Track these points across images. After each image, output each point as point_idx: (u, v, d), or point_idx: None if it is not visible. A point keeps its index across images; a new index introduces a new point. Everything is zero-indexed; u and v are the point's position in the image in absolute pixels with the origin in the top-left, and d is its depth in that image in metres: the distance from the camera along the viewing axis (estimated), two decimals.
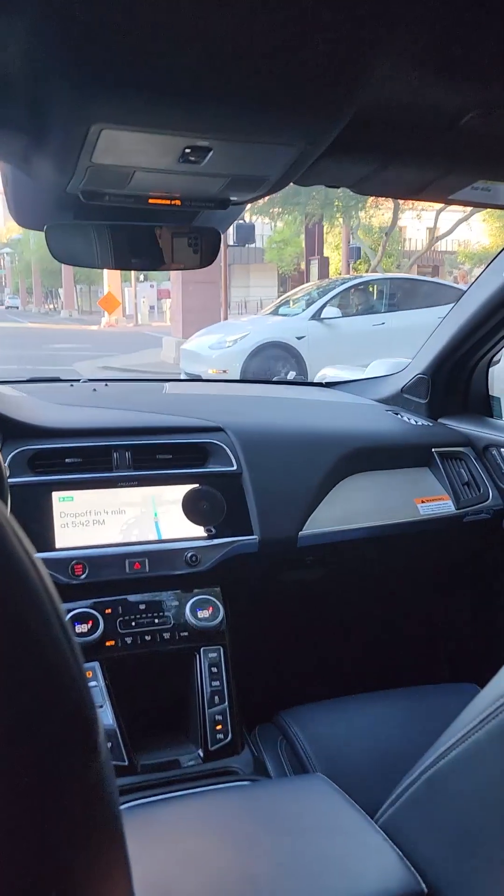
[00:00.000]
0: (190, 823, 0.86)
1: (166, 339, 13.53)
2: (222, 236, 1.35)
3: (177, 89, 0.77)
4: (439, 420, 1.95)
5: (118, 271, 23.05)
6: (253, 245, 20.76)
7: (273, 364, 9.24)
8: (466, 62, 0.80)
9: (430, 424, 1.91)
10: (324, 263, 18.46)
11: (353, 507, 1.65)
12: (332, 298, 10.16)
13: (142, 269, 1.57)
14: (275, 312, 10.97)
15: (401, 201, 15.96)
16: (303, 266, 26.79)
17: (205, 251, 1.32)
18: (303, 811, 0.88)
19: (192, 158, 0.91)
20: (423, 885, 0.70)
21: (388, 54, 0.76)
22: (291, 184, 1.16)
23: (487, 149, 1.01)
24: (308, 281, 17.82)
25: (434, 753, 0.76)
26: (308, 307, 10.24)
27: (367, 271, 17.75)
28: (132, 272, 24.32)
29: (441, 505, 1.73)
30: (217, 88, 0.77)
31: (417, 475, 1.78)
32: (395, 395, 2.06)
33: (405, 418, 1.93)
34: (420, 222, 19.70)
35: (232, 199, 1.13)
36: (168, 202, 1.11)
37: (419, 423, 1.90)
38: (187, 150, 0.89)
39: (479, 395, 1.97)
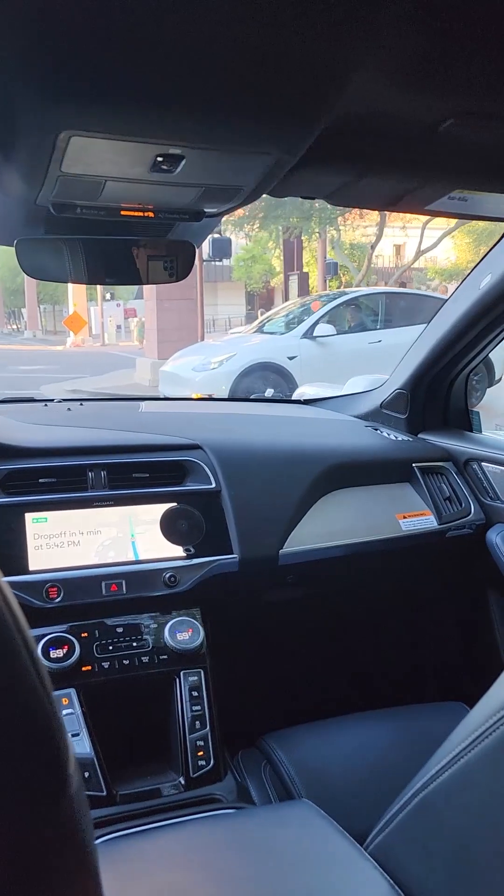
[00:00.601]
0: (171, 856, 0.82)
1: (140, 360, 13.05)
2: (197, 251, 1.33)
3: (148, 95, 0.75)
4: (419, 435, 1.93)
5: (83, 290, 22.85)
6: (220, 262, 20.59)
7: (263, 387, 8.69)
8: (442, 71, 0.79)
9: (410, 439, 1.90)
10: (304, 279, 18.00)
11: (334, 524, 1.62)
12: (324, 314, 9.53)
13: (116, 284, 1.55)
14: (260, 330, 10.38)
15: (387, 215, 16.00)
16: (273, 283, 26.84)
17: (179, 265, 1.30)
18: (289, 840, 0.84)
19: (165, 167, 0.89)
20: None
21: (364, 64, 0.74)
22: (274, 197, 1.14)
23: (464, 158, 1.00)
24: (287, 297, 17.53)
25: (424, 776, 0.73)
26: (291, 326, 9.64)
27: (339, 287, 17.70)
28: (98, 291, 24.13)
29: (423, 520, 1.71)
30: (189, 95, 0.75)
31: (398, 491, 1.76)
32: (375, 410, 2.05)
33: (385, 434, 1.92)
34: (389, 238, 19.73)
35: (206, 210, 1.10)
36: (141, 214, 1.09)
37: (399, 439, 1.89)
38: (159, 159, 0.87)
39: (458, 409, 1.96)
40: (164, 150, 0.85)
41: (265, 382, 8.76)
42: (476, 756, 0.66)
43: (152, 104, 0.76)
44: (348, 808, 0.91)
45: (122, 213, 1.09)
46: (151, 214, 1.10)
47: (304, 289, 17.07)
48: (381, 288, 12.80)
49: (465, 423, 1.97)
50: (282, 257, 22.88)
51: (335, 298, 10.18)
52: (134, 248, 1.26)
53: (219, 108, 0.78)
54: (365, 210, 15.79)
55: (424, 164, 1.03)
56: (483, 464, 1.77)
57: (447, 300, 1.78)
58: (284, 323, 10.09)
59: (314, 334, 9.27)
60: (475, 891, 0.66)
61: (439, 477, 1.80)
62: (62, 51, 0.65)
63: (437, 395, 1.93)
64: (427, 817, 0.72)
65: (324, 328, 9.36)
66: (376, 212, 15.69)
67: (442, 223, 16.85)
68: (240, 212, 15.29)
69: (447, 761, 0.70)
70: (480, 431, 1.97)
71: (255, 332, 10.47)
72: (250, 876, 0.77)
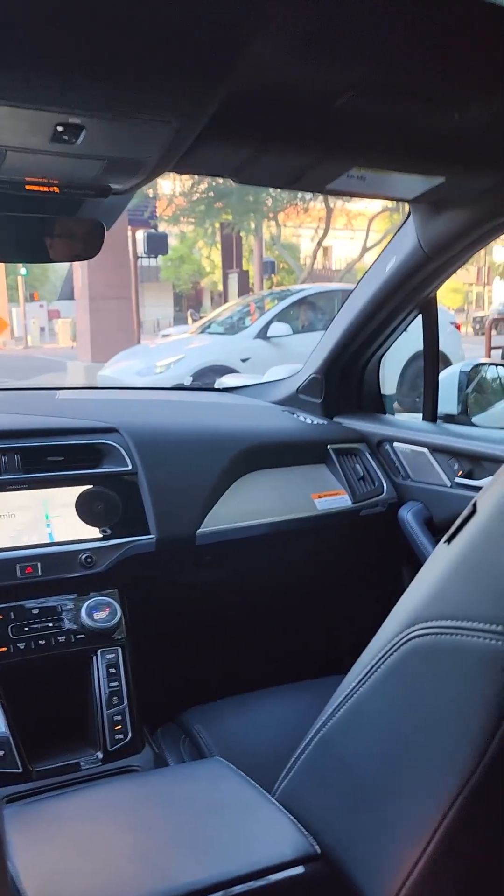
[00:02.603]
0: (81, 813, 0.83)
1: (72, 363, 12.39)
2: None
3: (43, 61, 0.76)
4: (334, 418, 1.98)
5: (4, 291, 22.23)
6: (148, 263, 20.27)
7: None
8: (340, 43, 0.82)
9: (325, 423, 1.95)
10: (244, 277, 17.38)
11: (250, 504, 1.65)
12: (277, 313, 8.93)
13: (23, 262, 1.54)
14: (204, 331, 9.75)
15: (332, 213, 15.95)
16: (202, 284, 26.75)
17: (88, 244, 1.30)
18: (198, 791, 0.87)
19: (66, 137, 0.90)
20: (317, 847, 0.70)
21: (263, 29, 0.77)
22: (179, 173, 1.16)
23: (361, 134, 1.04)
24: (226, 296, 17.11)
25: (322, 718, 0.76)
26: (240, 326, 9.11)
27: (271, 287, 17.65)
28: (20, 292, 23.57)
29: (338, 500, 1.76)
30: (85, 61, 0.76)
31: (314, 471, 1.80)
32: (291, 396, 2.09)
33: (301, 417, 1.96)
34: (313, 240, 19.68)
35: (112, 186, 1.11)
36: (46, 189, 1.09)
37: (314, 422, 1.93)
38: (59, 129, 0.88)
39: (371, 392, 2.02)
40: (64, 119, 0.86)
41: None
42: (366, 690, 0.69)
43: (48, 71, 0.77)
44: (261, 766, 0.93)
45: (27, 187, 1.09)
46: (57, 189, 1.10)
47: (244, 287, 16.68)
48: (336, 285, 12.26)
49: (377, 406, 2.03)
50: (211, 257, 22.84)
51: (286, 297, 9.57)
52: (42, 225, 1.26)
53: (116, 74, 0.79)
54: (309, 207, 15.80)
55: (323, 140, 1.06)
56: (395, 444, 1.83)
57: (356, 286, 1.83)
58: (232, 323, 9.62)
59: (268, 335, 8.67)
60: (364, 816, 0.69)
61: (353, 458, 1.85)
62: None
63: (350, 380, 1.98)
64: (325, 755, 0.75)
65: (278, 328, 8.76)
66: (321, 210, 15.81)
67: (386, 224, 17.06)
68: (180, 201, 15.08)
69: (341, 700, 0.73)
70: (393, 414, 2.03)
71: (199, 332, 9.84)
72: (158, 825, 0.79)
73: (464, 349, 9.32)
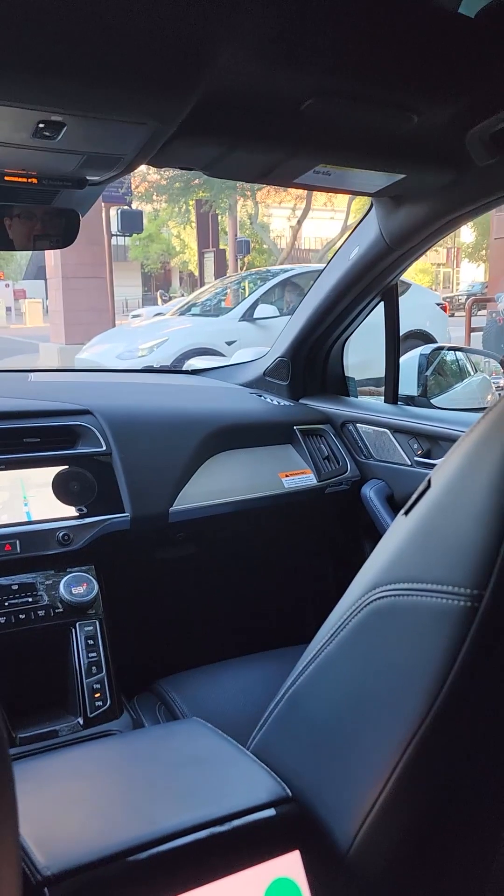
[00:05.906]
0: (67, 770, 0.88)
1: (45, 345, 12.18)
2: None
3: (30, 62, 0.81)
4: (300, 400, 2.05)
5: None
6: (115, 241, 20.01)
7: None
8: (304, 52, 0.89)
9: (292, 404, 2.02)
10: (220, 256, 16.69)
11: (221, 483, 1.72)
12: (263, 294, 8.80)
13: (2, 250, 1.58)
14: (184, 312, 9.55)
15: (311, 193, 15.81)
16: (172, 264, 26.47)
17: (63, 232, 1.34)
18: (177, 746, 0.93)
19: (47, 133, 0.95)
20: (288, 791, 0.77)
21: (232, 40, 0.83)
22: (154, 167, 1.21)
23: (326, 134, 1.10)
24: (202, 275, 16.73)
25: (292, 677, 0.83)
26: (222, 308, 8.94)
27: (243, 268, 17.51)
28: None
29: (304, 478, 1.83)
30: (69, 63, 0.82)
31: (281, 451, 1.88)
32: (258, 378, 2.15)
33: (268, 399, 2.03)
34: (288, 219, 19.56)
35: (89, 178, 1.16)
36: (25, 180, 1.14)
37: (281, 404, 2.00)
38: (41, 125, 0.93)
39: (335, 375, 2.09)
40: (46, 116, 0.91)
41: None
42: (331, 649, 0.76)
43: (34, 71, 0.82)
44: (234, 727, 0.99)
45: (6, 178, 1.13)
46: (35, 181, 1.15)
47: (220, 267, 16.33)
48: (321, 265, 12.18)
49: (341, 388, 2.10)
50: (182, 237, 22.64)
51: (268, 278, 9.38)
52: (18, 214, 1.30)
53: (96, 77, 0.85)
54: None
55: (290, 140, 1.12)
56: (358, 425, 1.91)
57: (322, 272, 1.90)
58: (213, 305, 9.42)
59: (254, 316, 8.50)
60: (330, 761, 0.76)
61: (318, 438, 1.93)
62: None
63: (315, 363, 2.05)
64: (295, 709, 0.82)
65: (265, 309, 8.60)
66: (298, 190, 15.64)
67: (364, 203, 16.99)
68: (156, 178, 14.74)
69: (308, 660, 0.80)
70: (356, 396, 2.11)
71: (178, 315, 9.58)
72: (142, 776, 0.85)
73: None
